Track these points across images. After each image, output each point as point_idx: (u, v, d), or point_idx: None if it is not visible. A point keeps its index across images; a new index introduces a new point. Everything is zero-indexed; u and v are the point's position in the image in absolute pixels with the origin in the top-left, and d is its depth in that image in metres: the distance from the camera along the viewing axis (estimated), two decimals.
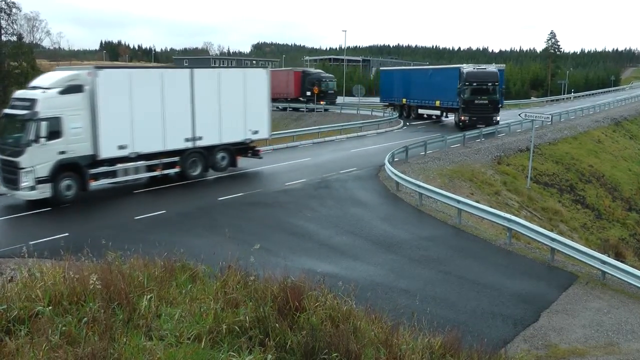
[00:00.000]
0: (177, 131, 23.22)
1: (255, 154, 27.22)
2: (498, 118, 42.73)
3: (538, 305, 13.26)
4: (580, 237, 29.05)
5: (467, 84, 42.19)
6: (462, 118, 42.83)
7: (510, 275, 15.24)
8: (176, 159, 23.44)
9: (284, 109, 63.74)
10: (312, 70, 71.12)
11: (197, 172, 24.31)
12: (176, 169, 23.63)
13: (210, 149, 24.69)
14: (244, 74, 26.42)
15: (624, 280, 14.31)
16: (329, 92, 64.60)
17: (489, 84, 42.16)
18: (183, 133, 23.48)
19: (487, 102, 42.14)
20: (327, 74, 70.85)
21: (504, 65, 52.51)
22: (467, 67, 45.29)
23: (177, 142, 23.33)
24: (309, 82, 63.71)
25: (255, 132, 26.39)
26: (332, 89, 65.46)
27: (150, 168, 22.70)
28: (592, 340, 11.75)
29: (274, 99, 65.02)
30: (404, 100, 54.02)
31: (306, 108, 62.32)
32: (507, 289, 14.09)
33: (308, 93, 62.05)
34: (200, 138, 24.07)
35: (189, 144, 23.81)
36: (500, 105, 45.63)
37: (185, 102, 23.46)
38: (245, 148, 26.76)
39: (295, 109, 64.44)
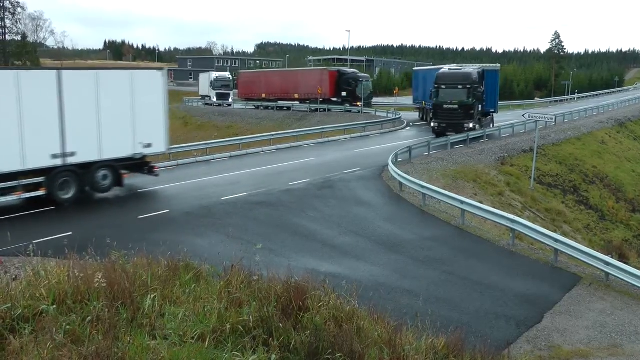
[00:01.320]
0: (41, 146, 19.42)
1: (151, 171, 23.13)
2: (471, 125, 37.84)
3: (541, 307, 13.26)
4: (583, 239, 29.03)
5: (436, 86, 38.37)
6: (432, 124, 39.44)
7: (514, 276, 15.24)
8: (41, 179, 19.62)
9: (315, 110, 59.89)
10: (348, 70, 67.37)
11: (69, 195, 20.27)
12: (41, 192, 19.69)
13: (87, 167, 20.71)
14: (132, 76, 22.28)
15: (628, 282, 14.29)
16: (369, 93, 59.77)
17: (460, 87, 37.48)
18: (49, 148, 19.63)
19: (457, 106, 37.57)
20: (363, 74, 67.22)
21: (499, 65, 48.02)
22: (445, 67, 42.67)
23: (42, 160, 19.47)
24: (345, 82, 60.09)
25: (148, 146, 22.29)
26: (369, 89, 60.90)
27: (6, 191, 18.98)
28: (595, 341, 11.74)
29: (305, 100, 62.58)
30: (424, 102, 51.84)
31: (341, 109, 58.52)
32: (511, 290, 14.08)
33: (343, 94, 59.04)
34: (72, 154, 20.16)
35: (58, 161, 19.90)
36: (492, 111, 42.69)
37: (52, 110, 19.58)
38: (138, 164, 22.72)
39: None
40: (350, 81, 60.15)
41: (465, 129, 37.36)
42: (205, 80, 78.82)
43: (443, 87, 37.93)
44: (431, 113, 40.07)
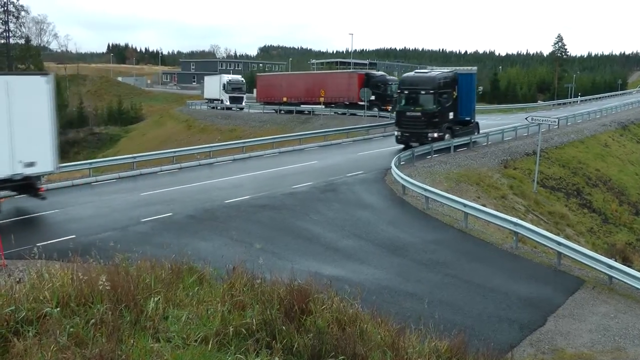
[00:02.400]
0: None
1: (37, 193, 19.74)
2: (436, 135, 33.51)
3: (545, 310, 13.24)
4: (586, 242, 28.97)
5: (399, 91, 35.21)
6: (395, 133, 35.59)
7: (517, 279, 15.22)
8: None
9: (343, 114, 57.10)
10: (376, 72, 64.31)
11: None
12: None
13: None
14: (7, 83, 18.36)
15: (631, 285, 14.25)
16: (395, 97, 58.00)
17: (423, 92, 33.44)
18: None
19: (419, 114, 33.51)
20: (392, 77, 63.00)
21: (475, 68, 42.35)
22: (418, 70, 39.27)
23: None
24: (373, 85, 56.27)
25: (31, 165, 18.78)
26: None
27: None
28: (598, 345, 11.72)
29: (330, 104, 59.07)
30: None
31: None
32: (514, 293, 14.07)
33: (372, 97, 54.86)
34: None
35: None
36: (468, 119, 36.97)
37: None
38: (20, 186, 19.31)
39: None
40: (378, 84, 56.90)
41: (429, 139, 33.24)
42: (214, 83, 76.72)
43: (406, 92, 34.24)
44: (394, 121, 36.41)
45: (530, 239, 17.96)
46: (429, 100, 33.26)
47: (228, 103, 72.98)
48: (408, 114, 33.87)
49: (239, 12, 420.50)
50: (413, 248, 17.22)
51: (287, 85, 67.72)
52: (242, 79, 78.12)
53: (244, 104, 73.33)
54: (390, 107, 53.59)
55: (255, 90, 79.42)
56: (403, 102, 34.24)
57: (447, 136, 34.14)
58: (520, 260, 16.97)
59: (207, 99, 78.77)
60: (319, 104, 59.85)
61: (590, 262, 15.29)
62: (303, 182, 24.89)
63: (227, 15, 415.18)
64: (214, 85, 76.47)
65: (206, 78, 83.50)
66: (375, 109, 55.08)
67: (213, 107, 75.12)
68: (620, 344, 11.77)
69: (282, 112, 64.56)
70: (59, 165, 20.54)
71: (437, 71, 36.91)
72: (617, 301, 14.04)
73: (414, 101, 33.77)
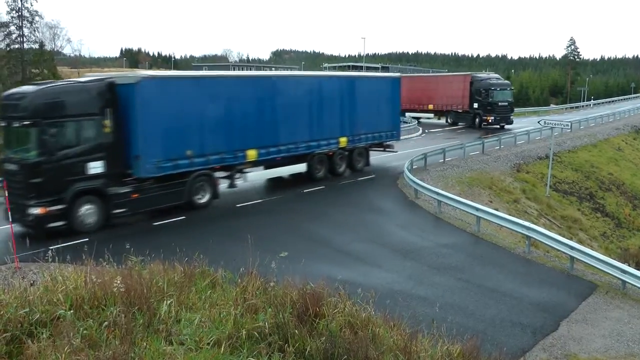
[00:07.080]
0: None
1: None
2: (39, 210, 16.54)
3: (557, 314, 13.17)
4: (599, 246, 28.80)
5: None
6: None
7: (529, 284, 15.14)
8: None
9: (453, 123, 51.57)
10: (482, 74, 55.58)
11: None
12: None
13: None
14: None
15: None
16: (500, 105, 48.42)
17: (16, 124, 17.28)
18: None
19: (17, 167, 17.21)
20: (501, 81, 52.76)
21: (188, 72, 27.46)
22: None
23: None
24: (476, 90, 48.58)
25: None
26: (507, 100, 49.25)
27: None
28: (612, 350, 11.64)
29: (441, 111, 52.73)
30: None
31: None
32: (526, 298, 14.00)
33: (475, 105, 48.54)
34: None
35: None
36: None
37: None
38: None
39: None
40: (481, 90, 48.49)
41: (30, 219, 16.64)
42: None
43: (4, 124, 18.00)
44: None
45: (542, 243, 17.89)
46: (27, 139, 17.19)
47: None
48: (9, 166, 17.60)
49: (251, 15, 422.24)
50: (425, 252, 17.18)
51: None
52: None
53: None
54: (491, 119, 48.35)
55: None
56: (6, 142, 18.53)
57: (87, 209, 17.54)
58: (533, 264, 16.89)
59: None
60: (426, 111, 53.83)
61: (604, 266, 15.21)
62: (313, 185, 24.87)
63: (239, 19, 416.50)
64: None
65: None
66: (477, 120, 49.28)
67: None
68: (634, 350, 11.69)
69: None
70: None
71: (61, 83, 20.91)
72: (631, 306, 13.94)
73: (10, 142, 18.10)
